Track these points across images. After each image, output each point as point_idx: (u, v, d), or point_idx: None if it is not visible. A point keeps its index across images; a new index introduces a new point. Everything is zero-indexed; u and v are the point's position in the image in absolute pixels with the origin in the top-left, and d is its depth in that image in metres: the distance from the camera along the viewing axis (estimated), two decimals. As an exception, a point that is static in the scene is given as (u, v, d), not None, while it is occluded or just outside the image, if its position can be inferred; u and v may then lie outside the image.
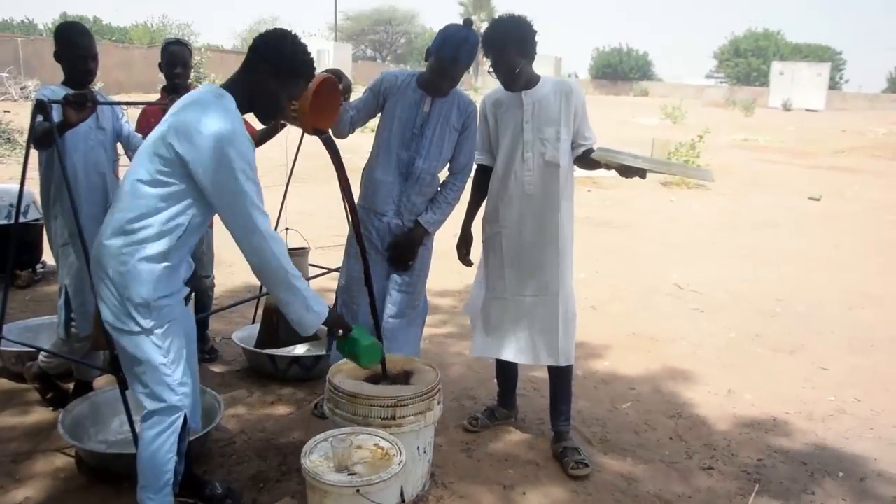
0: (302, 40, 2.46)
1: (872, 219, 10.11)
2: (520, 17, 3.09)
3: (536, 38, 3.10)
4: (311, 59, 2.45)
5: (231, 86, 2.42)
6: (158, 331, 2.37)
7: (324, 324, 2.54)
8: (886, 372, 4.57)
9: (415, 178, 3.26)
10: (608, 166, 3.06)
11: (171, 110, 2.38)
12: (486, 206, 3.36)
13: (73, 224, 3.16)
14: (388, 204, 3.29)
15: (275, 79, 2.40)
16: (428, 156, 3.24)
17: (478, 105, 3.34)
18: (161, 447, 2.42)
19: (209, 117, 2.25)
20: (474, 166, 3.34)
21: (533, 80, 3.15)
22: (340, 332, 2.64)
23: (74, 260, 3.23)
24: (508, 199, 3.22)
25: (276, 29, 2.45)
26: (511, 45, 3.02)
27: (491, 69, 3.13)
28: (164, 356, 2.39)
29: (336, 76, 2.97)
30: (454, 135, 3.27)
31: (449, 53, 3.05)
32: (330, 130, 3.07)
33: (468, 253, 3.49)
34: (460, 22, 3.16)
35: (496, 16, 3.42)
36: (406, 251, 3.32)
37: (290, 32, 2.44)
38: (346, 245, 3.49)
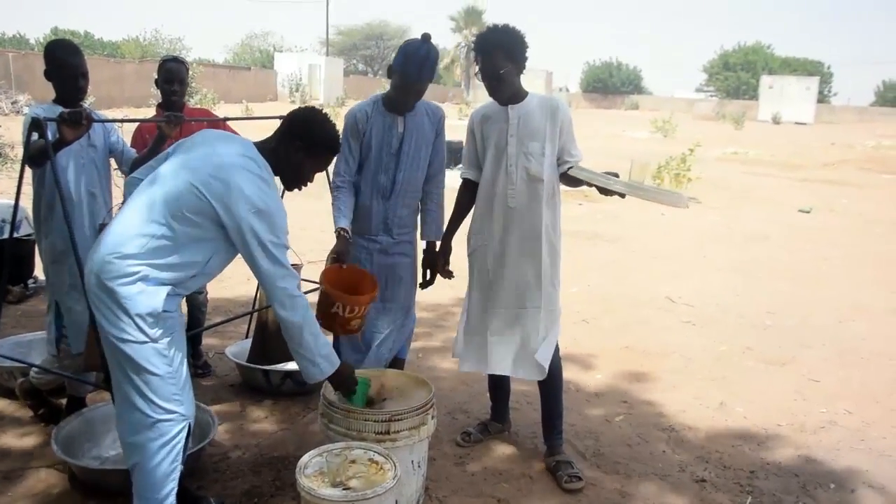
0: (330, 119, 2.62)
1: (862, 231, 10.19)
2: (512, 27, 3.10)
3: (527, 53, 3.12)
4: (339, 135, 2.63)
5: (264, 151, 2.52)
6: (164, 340, 2.38)
7: (329, 380, 2.66)
8: (877, 384, 4.61)
9: (397, 193, 3.38)
10: (589, 184, 3.09)
11: (204, 149, 2.46)
12: (472, 219, 3.39)
13: (65, 240, 3.17)
14: (377, 225, 3.42)
15: (305, 153, 2.53)
16: (408, 169, 3.37)
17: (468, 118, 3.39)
18: (165, 458, 2.43)
19: (250, 188, 2.36)
20: (459, 180, 3.37)
21: (520, 95, 3.16)
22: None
23: (67, 277, 3.23)
24: (492, 212, 3.24)
25: (309, 108, 2.61)
26: (498, 48, 3.04)
27: (478, 73, 3.15)
28: (169, 365, 2.41)
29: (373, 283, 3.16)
30: (429, 143, 3.40)
31: (413, 71, 3.14)
32: None
33: (447, 263, 3.50)
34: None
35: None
36: (433, 270, 3.55)
37: (321, 111, 2.60)
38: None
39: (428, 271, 3.57)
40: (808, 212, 11.57)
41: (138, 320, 2.32)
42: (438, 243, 3.53)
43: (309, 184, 2.64)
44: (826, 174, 17.18)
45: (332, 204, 3.37)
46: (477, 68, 3.15)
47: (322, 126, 2.55)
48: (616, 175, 3.08)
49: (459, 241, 3.43)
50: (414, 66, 3.14)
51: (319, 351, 2.54)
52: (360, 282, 3.18)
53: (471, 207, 3.39)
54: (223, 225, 2.36)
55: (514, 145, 3.15)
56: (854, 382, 4.63)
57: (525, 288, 3.21)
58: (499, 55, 3.04)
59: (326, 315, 2.99)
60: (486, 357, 3.29)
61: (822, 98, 52.57)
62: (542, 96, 3.24)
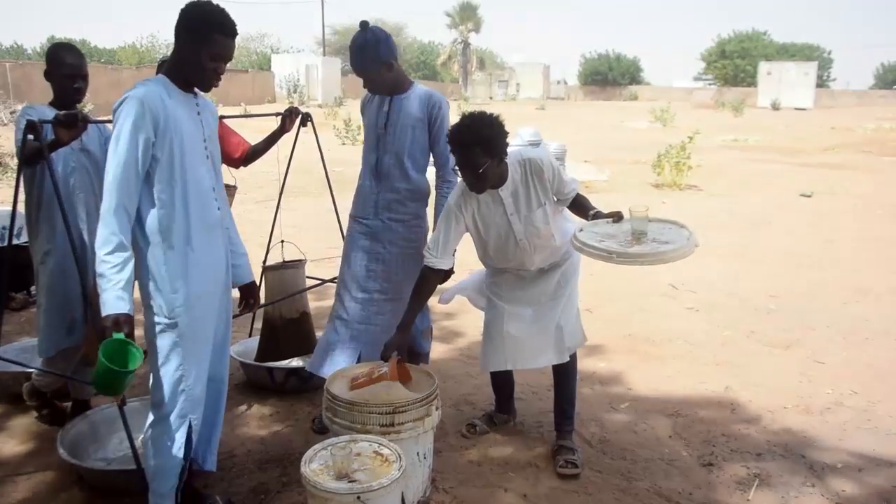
0: (215, 2, 2.49)
1: (863, 214, 10.16)
2: (488, 117, 2.93)
3: (507, 139, 2.96)
4: (221, 13, 2.47)
5: (168, 67, 2.53)
6: (176, 329, 2.47)
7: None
8: (882, 363, 4.60)
9: (384, 175, 3.40)
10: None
11: None
12: (487, 272, 3.39)
13: (49, 240, 3.18)
14: (367, 207, 3.45)
15: (193, 44, 2.45)
16: (392, 150, 3.37)
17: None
18: (170, 451, 2.53)
19: None
20: (424, 264, 3.14)
21: (504, 177, 3.03)
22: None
23: (49, 276, 3.24)
24: (511, 279, 3.28)
25: (191, 1, 2.49)
26: (476, 146, 2.85)
27: (455, 168, 3.08)
28: (181, 355, 2.49)
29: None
30: (419, 126, 3.35)
31: (355, 63, 3.26)
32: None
33: (403, 356, 3.03)
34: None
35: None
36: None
37: (203, 0, 2.47)
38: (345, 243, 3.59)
39: None
40: (809, 196, 11.54)
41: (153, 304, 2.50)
42: None
43: (220, 78, 2.53)
44: (826, 158, 17.14)
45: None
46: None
47: (199, 8, 2.45)
48: (620, 216, 3.03)
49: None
50: (353, 55, 3.25)
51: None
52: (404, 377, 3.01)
53: (431, 295, 3.21)
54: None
55: (518, 222, 3.09)
56: (859, 363, 4.62)
57: (548, 289, 3.26)
58: (476, 152, 2.85)
59: (370, 378, 2.91)
60: (521, 355, 3.28)
61: (822, 83, 52.41)
62: (521, 162, 3.05)
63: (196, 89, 2.57)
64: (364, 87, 3.39)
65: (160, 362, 2.50)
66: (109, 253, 2.30)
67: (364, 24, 3.26)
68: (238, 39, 2.58)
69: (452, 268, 3.19)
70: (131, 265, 2.35)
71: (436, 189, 3.45)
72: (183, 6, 2.48)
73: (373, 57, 3.21)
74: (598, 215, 3.10)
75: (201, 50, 2.43)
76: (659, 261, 2.89)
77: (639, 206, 3.03)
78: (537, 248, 3.16)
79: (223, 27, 2.45)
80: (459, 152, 2.90)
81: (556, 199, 3.14)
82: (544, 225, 3.10)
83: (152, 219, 2.43)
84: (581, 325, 3.34)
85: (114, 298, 2.30)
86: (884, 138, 21.81)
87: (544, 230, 3.11)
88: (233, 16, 2.51)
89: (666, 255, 2.89)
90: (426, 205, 3.51)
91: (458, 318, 5.32)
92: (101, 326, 2.32)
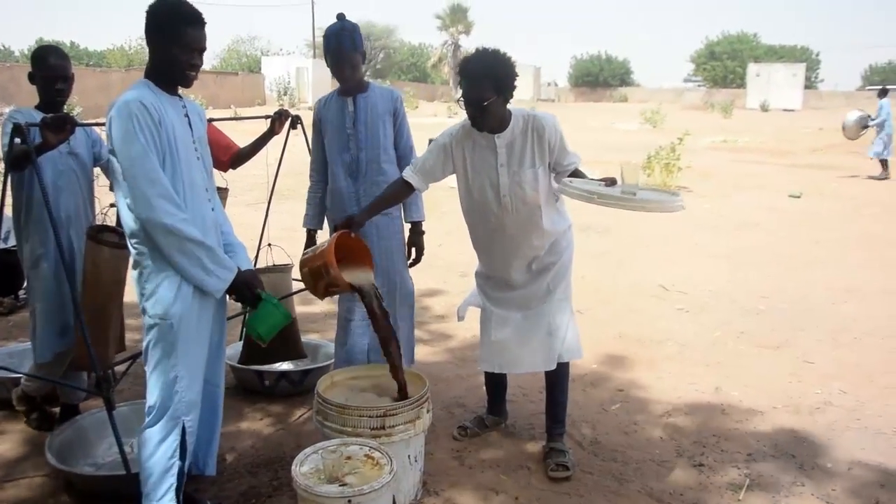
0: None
1: (852, 214, 10.22)
2: (502, 54, 2.93)
3: (516, 82, 2.96)
4: (184, 4, 2.48)
5: (148, 71, 2.55)
6: (171, 330, 2.46)
7: (227, 291, 2.55)
8: (870, 363, 4.62)
9: (363, 173, 3.47)
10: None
11: None
12: (473, 244, 3.35)
13: (42, 244, 3.16)
14: (349, 206, 3.48)
15: (164, 41, 2.46)
16: (368, 147, 3.46)
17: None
18: (164, 453, 2.51)
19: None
20: (401, 177, 3.21)
21: (505, 121, 3.02)
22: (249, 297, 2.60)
23: (43, 280, 3.22)
24: (492, 243, 3.22)
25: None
26: (486, 77, 2.86)
27: (460, 100, 3.05)
28: (177, 356, 2.48)
29: (344, 226, 3.01)
30: (388, 120, 3.49)
31: (332, 45, 3.36)
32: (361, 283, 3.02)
33: (350, 227, 3.03)
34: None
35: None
36: (420, 250, 3.67)
37: None
38: None
39: (413, 250, 3.67)
40: (798, 197, 11.60)
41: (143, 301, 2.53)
42: (424, 223, 3.65)
43: (198, 70, 2.54)
44: (815, 159, 17.24)
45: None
46: (460, 93, 3.03)
47: (162, 4, 2.46)
48: (613, 181, 2.95)
49: (434, 242, 3.41)
50: (332, 38, 3.34)
51: (212, 256, 2.48)
52: (362, 257, 3.05)
53: (395, 204, 3.39)
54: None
55: (505, 175, 3.05)
56: (848, 363, 4.64)
57: (538, 293, 3.23)
58: (485, 84, 2.85)
59: (313, 269, 2.90)
60: (508, 359, 3.28)
61: (810, 84, 52.71)
62: (525, 116, 3.05)
63: (180, 92, 2.56)
64: (339, 77, 3.42)
65: (154, 363, 2.49)
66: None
67: (341, 15, 3.43)
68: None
69: (420, 188, 3.21)
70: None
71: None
72: (147, 7, 2.49)
73: (354, 39, 3.35)
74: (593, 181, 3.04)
75: (174, 46, 2.44)
76: (640, 208, 2.84)
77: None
78: (520, 215, 3.08)
79: (191, 18, 2.46)
80: (468, 83, 2.91)
81: (554, 170, 3.08)
82: (531, 189, 3.03)
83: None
84: (577, 336, 3.29)
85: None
86: (871, 138, 21.91)
87: (531, 195, 3.04)
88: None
89: (649, 204, 2.84)
90: None
91: (448, 321, 5.31)
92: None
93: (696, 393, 4.17)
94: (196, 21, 2.47)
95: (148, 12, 2.47)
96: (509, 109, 3.03)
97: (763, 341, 5.05)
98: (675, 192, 3.07)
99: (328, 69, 3.46)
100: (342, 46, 3.34)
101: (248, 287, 2.58)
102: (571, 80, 65.76)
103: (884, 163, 14.20)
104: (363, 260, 3.04)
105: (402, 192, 3.23)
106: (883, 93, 15.04)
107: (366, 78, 3.63)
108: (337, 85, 3.54)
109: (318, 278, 2.88)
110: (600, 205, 2.80)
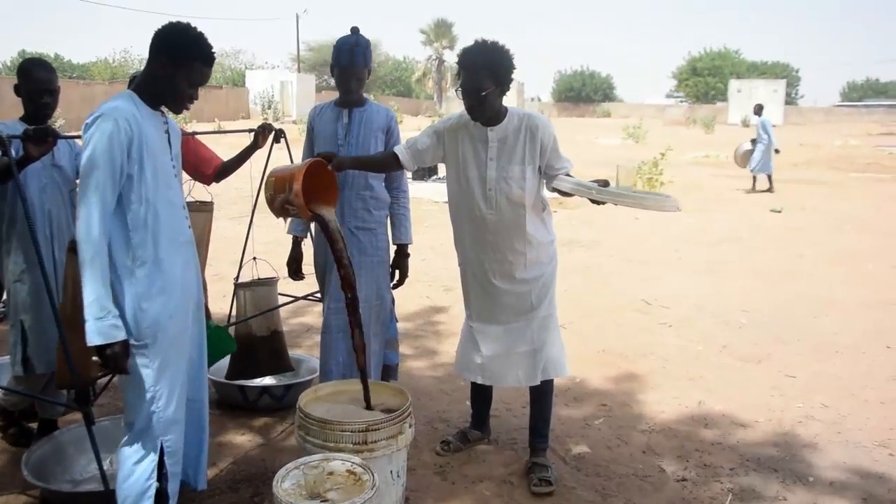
0: (197, 28, 2.50)
1: (832, 229, 10.33)
2: (501, 46, 3.00)
3: (513, 74, 3.01)
4: (205, 41, 2.48)
5: (138, 84, 2.50)
6: (146, 350, 2.42)
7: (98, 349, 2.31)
8: (851, 377, 4.66)
9: (350, 185, 3.44)
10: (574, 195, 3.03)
11: None
12: (454, 236, 3.34)
13: (26, 258, 3.13)
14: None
15: (173, 67, 2.43)
16: None
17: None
18: (142, 475, 2.47)
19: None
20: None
21: (500, 115, 3.06)
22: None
23: (27, 295, 3.18)
24: (475, 240, 3.20)
25: (170, 22, 2.49)
26: (484, 68, 2.92)
27: (459, 89, 3.05)
28: (153, 376, 2.45)
29: (326, 158, 3.04)
30: (381, 137, 3.48)
31: (346, 59, 3.35)
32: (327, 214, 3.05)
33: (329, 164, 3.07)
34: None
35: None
36: (405, 270, 3.68)
37: (183, 23, 2.49)
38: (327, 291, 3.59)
39: (397, 273, 3.67)
40: (779, 211, 11.72)
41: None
42: (410, 246, 3.64)
43: (193, 102, 2.52)
44: (795, 174, 17.43)
45: None
46: (458, 84, 3.05)
47: (183, 34, 2.44)
48: (606, 183, 2.96)
49: (419, 256, 3.41)
50: (345, 53, 3.34)
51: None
52: (330, 196, 3.09)
53: (377, 171, 3.40)
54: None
55: (493, 169, 3.06)
56: (829, 376, 4.67)
57: (522, 308, 3.20)
58: (483, 75, 2.91)
59: (279, 179, 2.94)
60: (492, 372, 3.28)
61: (790, 100, 53.42)
62: (521, 114, 3.10)
63: (164, 108, 2.55)
64: (343, 89, 3.42)
65: (131, 383, 2.46)
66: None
67: (355, 30, 3.41)
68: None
69: (407, 165, 3.25)
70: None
71: (392, 201, 3.58)
72: (164, 26, 2.47)
73: (366, 56, 3.37)
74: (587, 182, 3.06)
75: (179, 74, 2.43)
76: (637, 205, 2.91)
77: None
78: (504, 213, 3.08)
79: (205, 56, 2.47)
80: (466, 73, 2.96)
81: (546, 173, 3.09)
82: (517, 186, 3.05)
83: (122, 239, 2.39)
84: (563, 352, 3.30)
85: None
86: (850, 154, 22.25)
87: (516, 192, 3.05)
88: (208, 32, 2.51)
89: (646, 201, 2.93)
90: (387, 214, 3.60)
91: (431, 335, 5.30)
92: None
93: (679, 407, 4.18)
94: (210, 60, 2.49)
95: (162, 34, 2.45)
96: (505, 106, 3.09)
97: (745, 355, 5.07)
98: (667, 195, 3.10)
99: (313, 83, 3.49)
100: (355, 61, 3.35)
101: (115, 360, 2.33)
102: (555, 96, 66.22)
103: (769, 177, 14.32)
104: (330, 200, 3.09)
105: (389, 164, 3.29)
106: (760, 109, 15.24)
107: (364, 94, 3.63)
108: (322, 99, 3.55)
109: (280, 191, 2.94)
110: (598, 198, 2.86)
